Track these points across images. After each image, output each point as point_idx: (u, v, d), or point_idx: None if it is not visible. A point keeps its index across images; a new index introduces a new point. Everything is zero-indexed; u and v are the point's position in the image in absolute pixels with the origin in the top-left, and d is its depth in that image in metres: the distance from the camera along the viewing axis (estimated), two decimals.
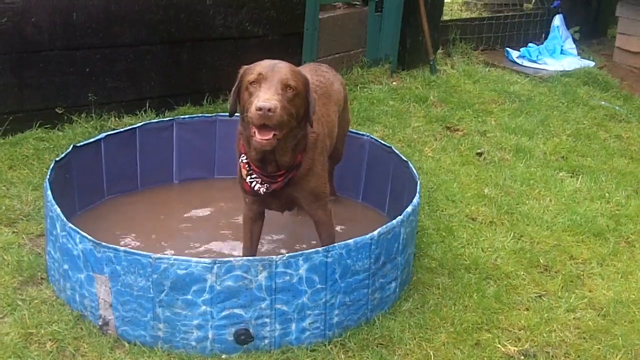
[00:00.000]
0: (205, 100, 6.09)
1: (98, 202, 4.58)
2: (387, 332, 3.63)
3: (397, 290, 3.87)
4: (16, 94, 5.32)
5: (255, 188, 3.64)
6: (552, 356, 3.61)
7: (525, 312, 3.91)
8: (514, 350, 3.61)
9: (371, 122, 6.19)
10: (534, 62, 8.31)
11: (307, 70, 4.17)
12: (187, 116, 5.03)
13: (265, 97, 3.30)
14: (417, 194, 3.98)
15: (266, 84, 3.37)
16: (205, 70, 6.09)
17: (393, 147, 4.64)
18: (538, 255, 4.43)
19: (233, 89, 3.55)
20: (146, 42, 5.77)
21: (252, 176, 3.63)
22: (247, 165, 3.64)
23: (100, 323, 3.49)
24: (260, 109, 3.27)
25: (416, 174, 4.23)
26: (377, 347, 3.55)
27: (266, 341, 3.44)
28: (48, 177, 3.89)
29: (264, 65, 3.45)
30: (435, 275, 4.16)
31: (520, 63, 8.29)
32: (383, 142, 4.76)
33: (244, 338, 3.39)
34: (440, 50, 7.90)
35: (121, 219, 4.43)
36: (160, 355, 3.37)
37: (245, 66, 3.53)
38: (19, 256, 4.00)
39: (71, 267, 3.54)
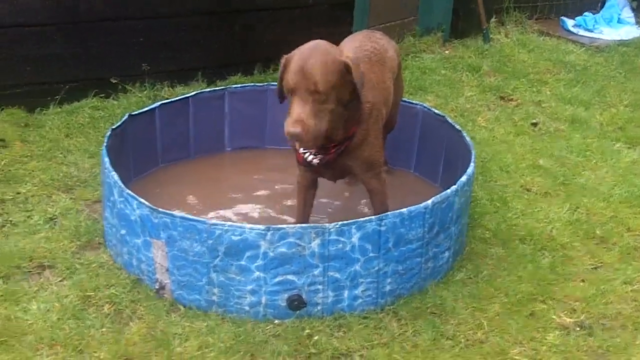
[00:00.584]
0: (256, 70, 6.10)
1: (152, 170, 4.64)
2: (440, 302, 3.63)
3: (450, 260, 3.85)
4: (72, 63, 5.41)
5: (309, 159, 3.64)
6: (608, 328, 3.56)
7: (581, 284, 3.86)
8: (569, 321, 3.57)
9: (423, 91, 6.14)
10: (590, 31, 8.14)
11: (361, 37, 4.14)
12: (238, 85, 5.06)
13: (293, 120, 3.29)
14: (472, 163, 3.95)
15: (296, 98, 3.33)
16: (257, 40, 6.10)
17: (446, 117, 4.60)
18: (594, 226, 4.36)
19: (278, 77, 3.53)
20: (199, 12, 5.80)
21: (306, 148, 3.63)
22: None
23: (156, 287, 3.55)
24: (289, 134, 3.29)
25: (470, 143, 4.19)
26: (429, 315, 3.55)
27: (318, 307, 3.46)
28: (105, 144, 3.95)
29: (294, 71, 3.34)
30: (489, 245, 4.13)
31: (575, 32, 8.12)
32: (436, 111, 4.72)
33: (296, 304, 3.42)
34: (493, 19, 7.77)
35: (175, 187, 4.48)
36: (215, 319, 3.42)
37: (286, 56, 3.47)
38: (76, 222, 4.08)
39: (128, 232, 3.60)
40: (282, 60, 3.48)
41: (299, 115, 3.29)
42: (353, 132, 3.62)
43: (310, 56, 3.37)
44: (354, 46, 3.96)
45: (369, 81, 3.64)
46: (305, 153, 3.63)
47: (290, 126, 3.28)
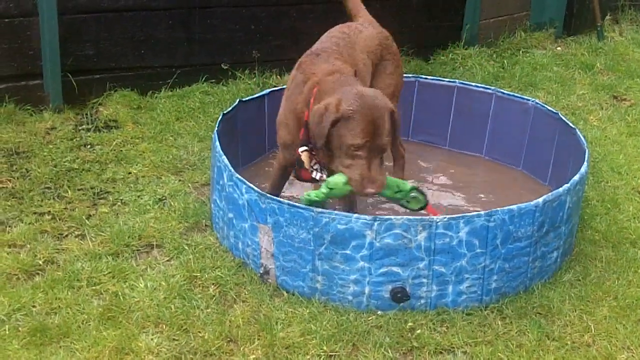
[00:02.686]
0: None
1: (260, 157, 4.69)
2: (546, 302, 3.55)
3: (559, 260, 3.76)
4: (184, 48, 5.53)
5: (317, 177, 3.64)
6: None
7: None
8: None
9: (533, 87, 6.02)
10: None
11: (337, 27, 4.21)
12: None
13: (373, 181, 3.36)
14: (585, 162, 3.84)
15: (368, 156, 3.35)
16: None
17: (560, 113, 4.48)
18: None
19: (325, 119, 3.38)
20: (309, 1, 5.83)
21: (315, 166, 3.62)
22: (310, 153, 3.60)
23: (261, 271, 3.59)
24: (369, 194, 3.42)
25: (584, 141, 4.08)
26: (535, 315, 3.48)
27: (422, 301, 3.44)
28: (217, 128, 4.01)
29: (366, 129, 3.33)
30: (599, 247, 4.02)
31: None
32: (549, 107, 4.60)
33: (400, 296, 3.40)
34: (608, 17, 7.55)
35: None
36: (317, 306, 3.43)
37: (336, 105, 3.37)
38: (185, 203, 4.17)
39: (236, 216, 3.65)
40: (331, 108, 3.37)
41: (378, 176, 3.38)
42: None
43: (378, 114, 3.38)
44: (327, 36, 4.11)
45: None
46: (313, 172, 3.63)
47: (372, 188, 3.37)
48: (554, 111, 4.53)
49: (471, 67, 6.31)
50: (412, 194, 3.57)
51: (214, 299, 3.47)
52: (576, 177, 3.70)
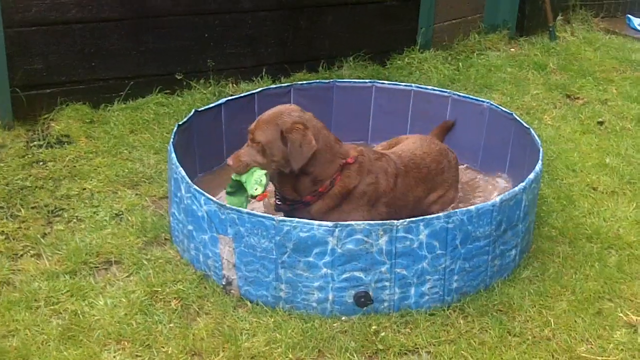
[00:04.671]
0: (321, 67, 6.10)
1: (218, 167, 4.65)
2: (507, 299, 3.60)
3: (517, 257, 3.80)
4: (137, 59, 5.46)
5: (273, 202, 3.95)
6: None
7: None
8: (637, 319, 3.54)
9: (488, 89, 6.09)
10: None
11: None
12: (304, 82, 5.06)
13: (230, 159, 3.76)
14: (540, 161, 3.89)
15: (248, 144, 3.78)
16: (322, 36, 6.10)
17: (514, 114, 4.53)
18: None
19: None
20: (265, 8, 5.81)
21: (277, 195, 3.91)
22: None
23: (223, 283, 3.56)
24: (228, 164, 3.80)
25: (538, 140, 4.13)
26: (496, 313, 3.52)
27: (385, 304, 3.44)
28: (172, 140, 3.97)
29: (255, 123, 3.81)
30: (556, 244, 4.08)
31: None
32: (504, 108, 4.65)
33: (363, 300, 3.41)
34: (559, 17, 7.66)
35: None
36: (282, 314, 3.42)
37: None
38: (142, 217, 4.12)
39: (195, 228, 3.62)
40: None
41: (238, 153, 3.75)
42: (309, 199, 3.80)
43: (268, 114, 3.84)
44: None
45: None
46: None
47: (230, 160, 3.77)
48: (509, 112, 4.59)
49: (427, 70, 6.35)
50: (262, 177, 3.67)
51: (176, 313, 3.44)
52: (531, 176, 3.75)
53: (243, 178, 3.69)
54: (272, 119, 3.74)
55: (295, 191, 3.79)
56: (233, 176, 3.75)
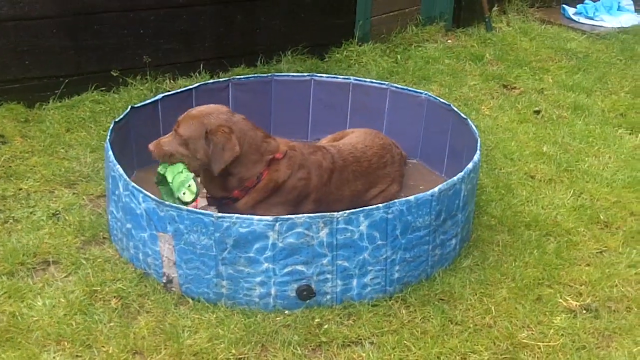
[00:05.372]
0: (259, 61, 6.07)
1: (155, 163, 4.58)
2: (448, 288, 3.64)
3: (458, 247, 3.84)
4: (72, 56, 5.38)
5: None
6: (613, 310, 3.59)
7: (587, 268, 3.89)
8: (576, 304, 3.60)
9: (427, 81, 6.13)
10: (591, 19, 8.11)
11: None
12: (242, 76, 5.03)
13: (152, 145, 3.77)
14: (478, 151, 3.93)
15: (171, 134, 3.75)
16: (259, 30, 6.07)
17: (452, 105, 4.58)
18: (598, 211, 4.37)
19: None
20: (200, 3, 5.76)
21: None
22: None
23: (164, 281, 3.53)
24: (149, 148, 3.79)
25: (476, 130, 4.17)
26: (438, 302, 3.55)
27: (328, 297, 3.45)
28: (109, 137, 3.92)
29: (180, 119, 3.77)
30: (495, 232, 4.13)
31: (576, 20, 8.10)
32: (442, 99, 4.69)
33: (306, 294, 3.41)
34: (495, 8, 7.74)
35: None
36: (224, 311, 3.41)
37: None
38: (80, 216, 4.06)
39: (134, 226, 3.58)
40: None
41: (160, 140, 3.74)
42: (235, 195, 3.80)
43: (196, 110, 3.82)
44: None
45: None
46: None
47: (151, 146, 3.78)
48: (447, 103, 4.63)
49: (366, 63, 6.37)
50: (191, 182, 3.66)
51: (117, 312, 3.40)
52: (470, 166, 3.79)
53: (168, 175, 3.67)
54: (199, 116, 3.72)
55: (222, 189, 3.78)
56: (159, 169, 3.73)
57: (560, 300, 3.62)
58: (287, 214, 3.46)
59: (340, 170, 4.01)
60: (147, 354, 3.17)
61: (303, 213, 3.69)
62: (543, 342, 3.36)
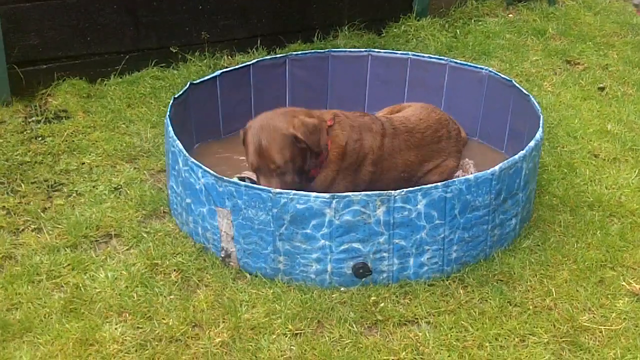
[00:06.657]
0: (315, 37, 6.04)
1: (214, 138, 4.64)
2: (507, 269, 3.59)
3: (517, 227, 3.79)
4: (132, 33, 5.42)
5: None
6: None
7: None
8: (639, 288, 3.52)
9: (487, 56, 6.02)
10: None
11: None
12: (299, 52, 5.01)
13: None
14: (540, 129, 3.86)
15: (261, 175, 3.67)
16: (316, 5, 6.02)
17: (514, 81, 4.49)
18: None
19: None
20: None
21: None
22: None
23: (222, 255, 3.56)
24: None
25: (538, 107, 4.09)
26: (496, 283, 3.51)
27: (384, 275, 3.44)
28: (169, 113, 3.95)
29: (251, 153, 3.68)
30: (557, 212, 4.06)
31: None
32: (503, 75, 4.60)
33: (362, 272, 3.40)
34: None
35: (238, 154, 4.46)
36: (281, 286, 3.43)
37: (242, 130, 3.80)
38: (141, 191, 4.12)
39: (194, 201, 3.61)
40: (240, 133, 3.81)
41: (267, 184, 3.61)
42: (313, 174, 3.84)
43: (262, 137, 3.66)
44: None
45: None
46: None
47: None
48: (508, 79, 4.54)
49: (424, 38, 6.29)
50: None
51: (177, 285, 3.45)
52: (531, 144, 3.72)
53: None
54: (268, 139, 3.68)
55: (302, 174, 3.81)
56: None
57: (623, 284, 3.55)
58: (350, 182, 3.47)
59: (392, 137, 4.00)
60: (205, 327, 3.22)
61: (363, 178, 3.68)
62: (604, 326, 3.30)
